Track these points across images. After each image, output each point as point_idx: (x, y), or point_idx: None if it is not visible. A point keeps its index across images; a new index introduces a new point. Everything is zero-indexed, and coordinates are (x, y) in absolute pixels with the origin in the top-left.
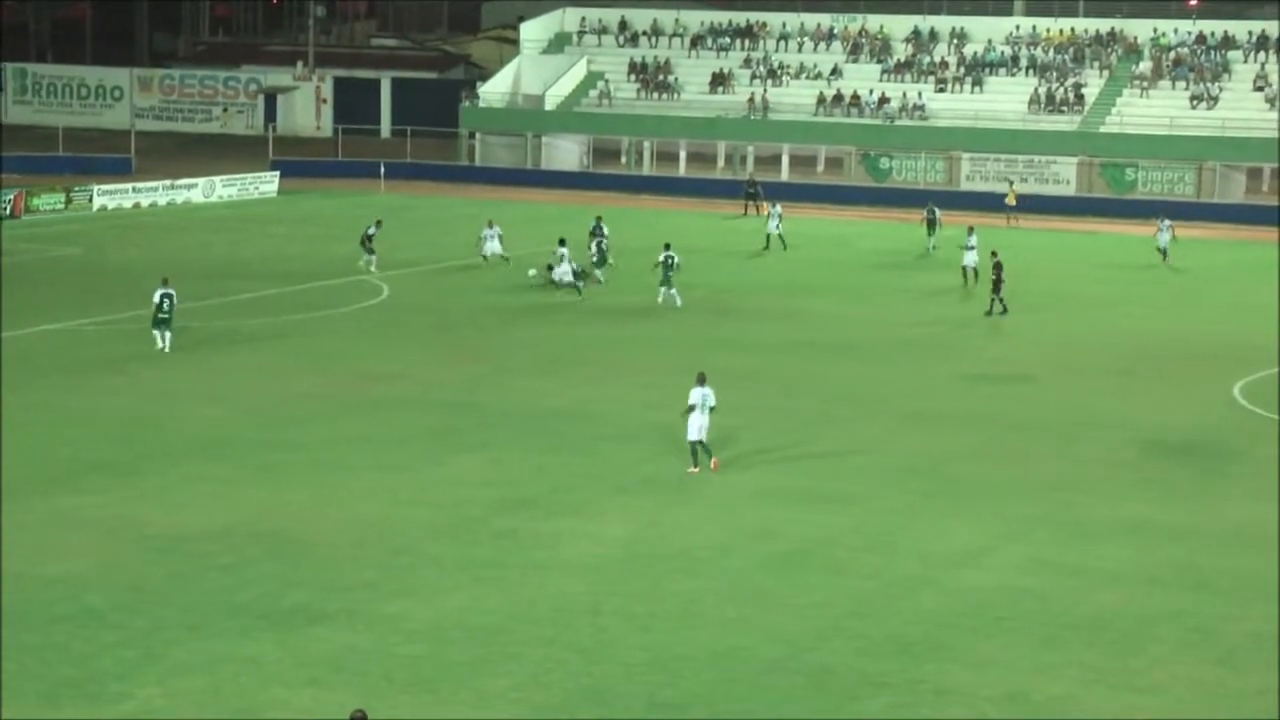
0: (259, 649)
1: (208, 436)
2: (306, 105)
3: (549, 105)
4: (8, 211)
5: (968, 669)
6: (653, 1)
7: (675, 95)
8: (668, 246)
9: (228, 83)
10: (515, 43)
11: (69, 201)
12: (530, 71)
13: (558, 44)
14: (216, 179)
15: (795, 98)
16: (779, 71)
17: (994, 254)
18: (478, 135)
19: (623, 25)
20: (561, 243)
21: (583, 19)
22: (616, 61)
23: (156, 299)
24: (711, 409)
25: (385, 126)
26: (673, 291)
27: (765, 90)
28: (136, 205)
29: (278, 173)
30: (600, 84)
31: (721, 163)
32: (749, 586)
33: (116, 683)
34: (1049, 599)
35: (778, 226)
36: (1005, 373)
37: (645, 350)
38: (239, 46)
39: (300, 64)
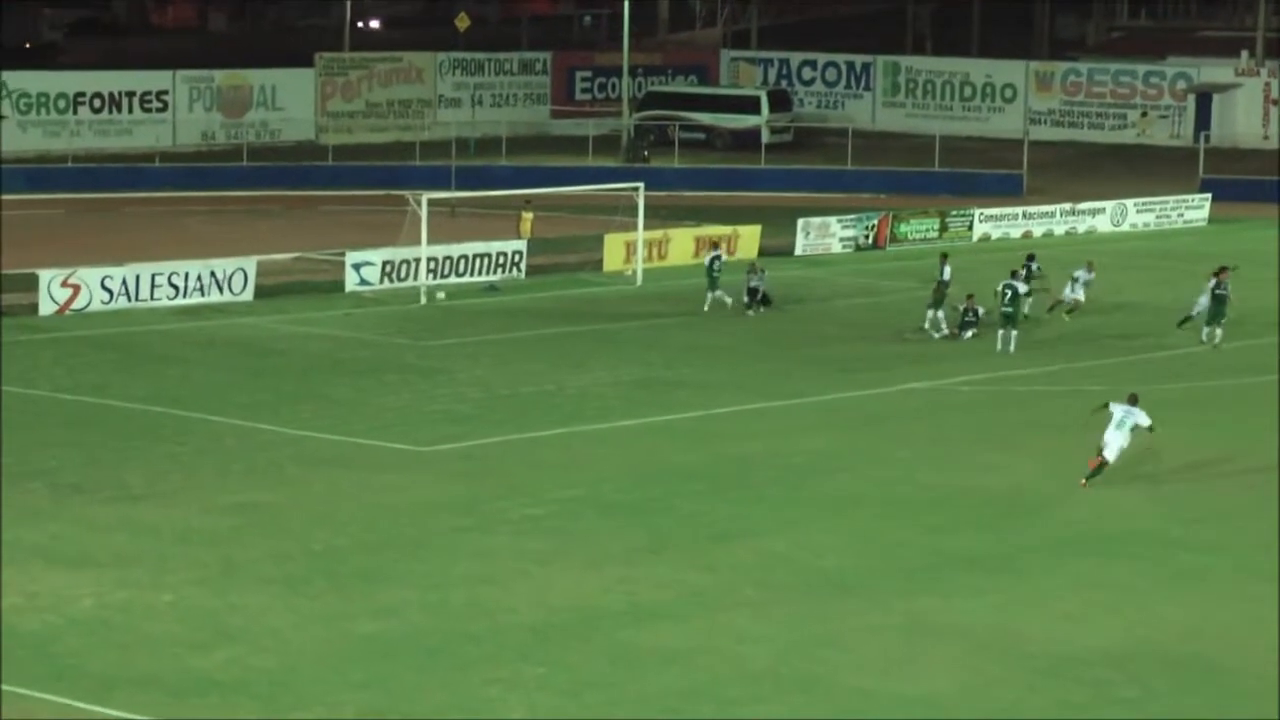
0: None
1: (1107, 529)
2: (1251, 108)
3: None
4: (869, 240)
5: None
6: None
7: None
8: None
9: (1149, 79)
10: None
11: (943, 229)
12: None
13: None
14: (1128, 203)
15: None
16: None
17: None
18: None
19: None
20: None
21: None
22: None
23: (707, 261)
24: (1141, 428)
25: None
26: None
27: None
28: (1026, 234)
29: (1209, 195)
30: None
31: None
32: None
33: None
34: None
35: None
36: None
37: None
38: (1165, 32)
39: (1245, 54)
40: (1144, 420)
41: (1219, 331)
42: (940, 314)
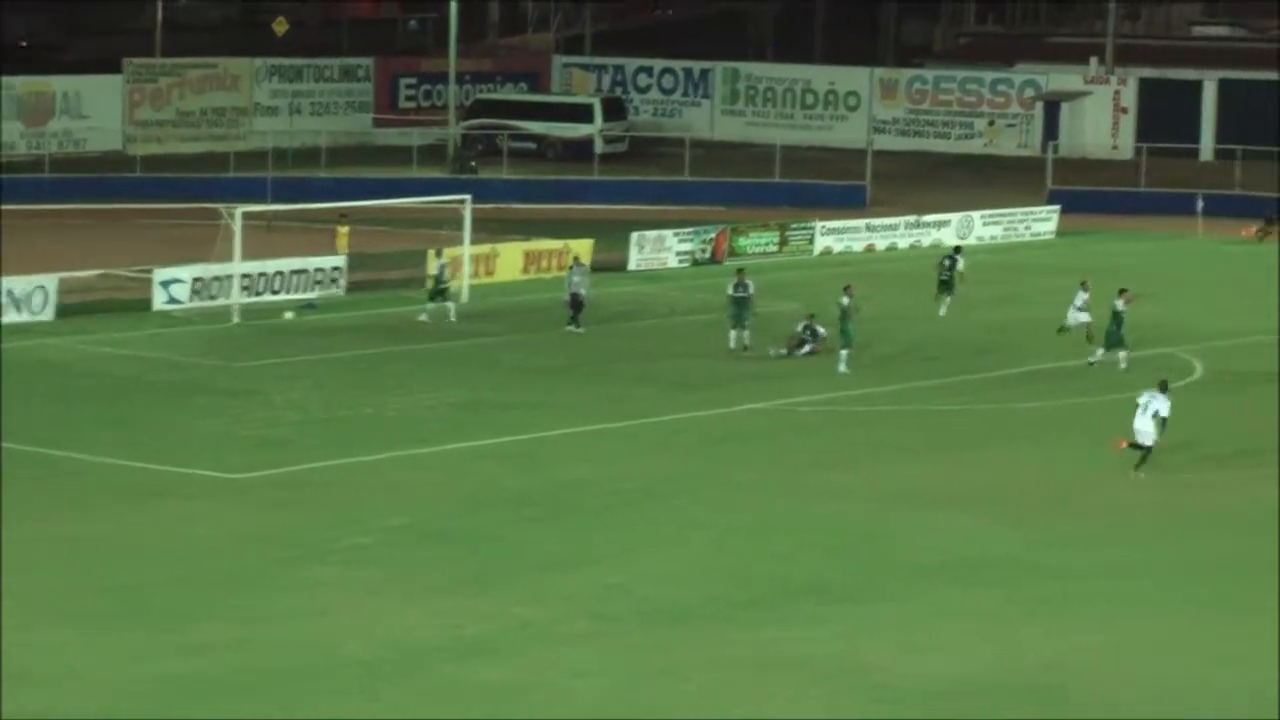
0: None
1: (959, 554)
2: (1100, 116)
3: None
4: (707, 255)
5: None
6: None
7: None
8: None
9: (996, 87)
10: None
11: (783, 242)
12: None
13: None
14: (975, 215)
15: None
16: None
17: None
18: None
19: None
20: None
21: None
22: None
23: (435, 270)
24: (1161, 419)
25: (1206, 146)
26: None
27: None
28: (869, 248)
29: (1057, 207)
30: None
31: None
32: None
33: None
34: None
35: None
36: None
37: None
38: (1014, 39)
39: (1095, 61)
40: (1163, 409)
41: (1121, 354)
42: (745, 333)
